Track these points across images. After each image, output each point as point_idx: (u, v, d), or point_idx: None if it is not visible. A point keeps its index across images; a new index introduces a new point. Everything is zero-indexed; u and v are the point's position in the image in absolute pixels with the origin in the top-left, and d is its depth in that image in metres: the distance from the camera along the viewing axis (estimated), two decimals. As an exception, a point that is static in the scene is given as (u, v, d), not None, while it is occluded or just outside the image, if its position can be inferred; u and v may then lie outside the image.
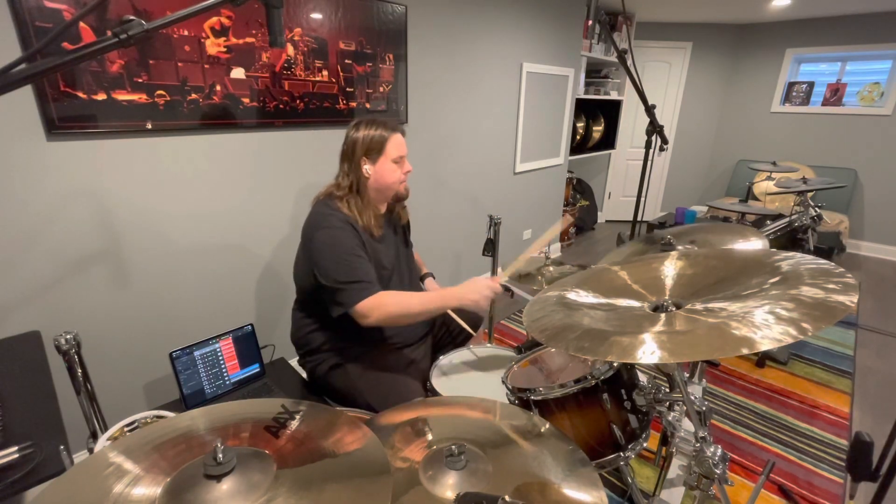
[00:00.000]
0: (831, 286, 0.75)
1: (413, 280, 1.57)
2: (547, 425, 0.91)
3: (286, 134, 1.94)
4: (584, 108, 4.24)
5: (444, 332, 1.66)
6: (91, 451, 1.04)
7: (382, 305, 1.25)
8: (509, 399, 1.18)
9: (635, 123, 4.88)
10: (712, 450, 0.88)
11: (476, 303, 1.30)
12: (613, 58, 4.09)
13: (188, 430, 0.73)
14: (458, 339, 1.67)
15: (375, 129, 1.34)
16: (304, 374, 1.59)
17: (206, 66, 1.62)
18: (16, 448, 0.81)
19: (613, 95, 4.51)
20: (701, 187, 5.24)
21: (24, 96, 1.32)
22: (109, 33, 0.64)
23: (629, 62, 1.71)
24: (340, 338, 1.41)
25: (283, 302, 2.12)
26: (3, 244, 1.36)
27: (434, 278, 1.71)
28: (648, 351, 0.72)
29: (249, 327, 1.60)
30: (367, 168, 1.35)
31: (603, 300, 1.01)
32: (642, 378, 1.19)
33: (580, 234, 4.82)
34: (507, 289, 1.91)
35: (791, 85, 4.52)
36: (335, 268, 1.26)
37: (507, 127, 3.16)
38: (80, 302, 1.53)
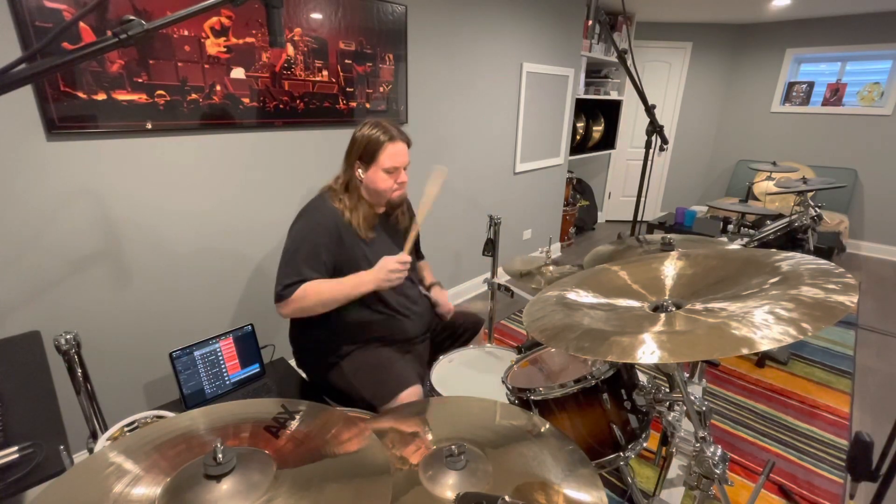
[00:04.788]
0: (831, 286, 0.75)
1: (408, 287, 1.54)
2: (547, 425, 0.91)
3: (286, 134, 1.94)
4: (584, 108, 4.24)
5: (446, 334, 1.65)
6: (91, 451, 1.04)
7: (300, 299, 1.27)
8: (509, 399, 1.18)
9: (635, 123, 4.88)
10: (712, 450, 0.88)
11: (388, 280, 1.30)
12: (613, 58, 4.09)
13: (188, 430, 0.73)
14: (459, 339, 1.66)
15: (376, 132, 1.33)
16: (304, 375, 1.59)
17: (206, 66, 1.62)
18: (16, 448, 0.81)
19: (613, 95, 4.51)
20: (701, 187, 5.24)
21: (24, 96, 1.32)
22: (109, 33, 0.64)
23: (629, 62, 1.71)
24: (335, 337, 1.41)
25: (283, 302, 2.12)
26: (3, 244, 1.36)
27: (441, 287, 1.66)
28: (648, 351, 0.72)
29: (249, 327, 1.60)
30: (359, 172, 1.36)
31: (603, 300, 1.01)
32: (642, 378, 1.19)
33: (580, 234, 4.82)
34: (506, 289, 1.91)
35: (791, 85, 4.52)
36: (290, 253, 1.31)
37: (507, 127, 3.16)
38: (80, 302, 1.53)
